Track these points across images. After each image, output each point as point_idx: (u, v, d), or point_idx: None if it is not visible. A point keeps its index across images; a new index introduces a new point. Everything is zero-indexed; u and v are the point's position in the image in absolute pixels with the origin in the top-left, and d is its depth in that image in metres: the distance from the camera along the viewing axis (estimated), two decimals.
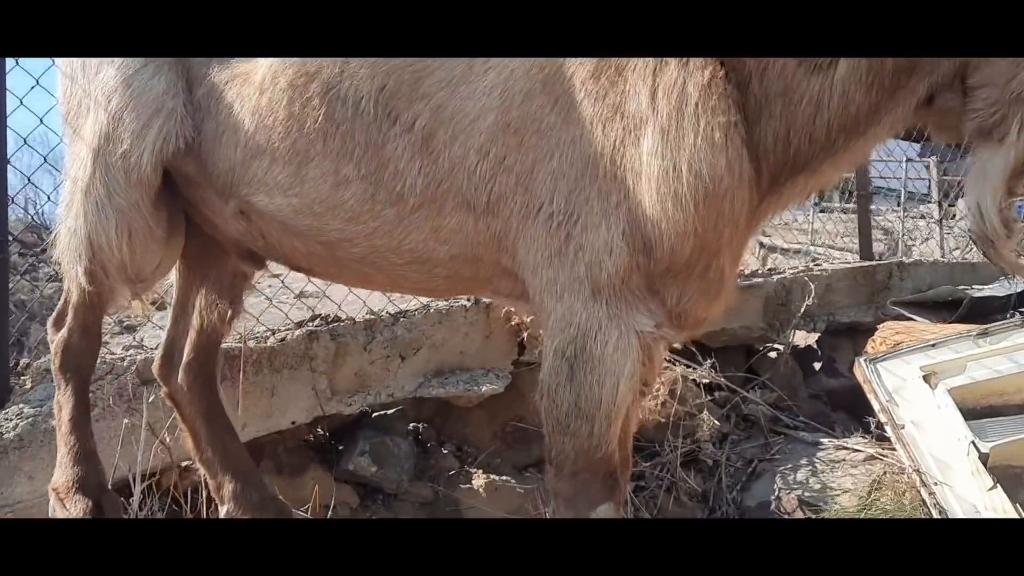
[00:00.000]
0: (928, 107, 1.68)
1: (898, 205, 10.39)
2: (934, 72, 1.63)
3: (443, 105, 1.81)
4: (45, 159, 3.00)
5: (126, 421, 2.59)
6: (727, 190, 1.64)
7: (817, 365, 4.84)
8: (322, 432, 3.55)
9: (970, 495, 3.07)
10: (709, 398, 4.06)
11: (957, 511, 2.93)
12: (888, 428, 3.57)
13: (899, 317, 4.56)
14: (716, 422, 3.87)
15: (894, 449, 3.53)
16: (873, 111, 1.67)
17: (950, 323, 4.38)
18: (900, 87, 1.65)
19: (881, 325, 4.38)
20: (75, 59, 2.14)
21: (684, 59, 1.68)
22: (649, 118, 1.66)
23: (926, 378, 3.60)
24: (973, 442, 3.12)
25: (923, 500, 3.25)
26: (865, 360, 3.79)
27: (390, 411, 3.65)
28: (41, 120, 2.84)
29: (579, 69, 1.75)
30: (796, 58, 1.66)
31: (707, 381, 4.06)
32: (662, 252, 1.66)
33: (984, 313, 4.36)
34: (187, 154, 2.03)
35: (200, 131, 2.02)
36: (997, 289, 4.45)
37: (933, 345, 3.78)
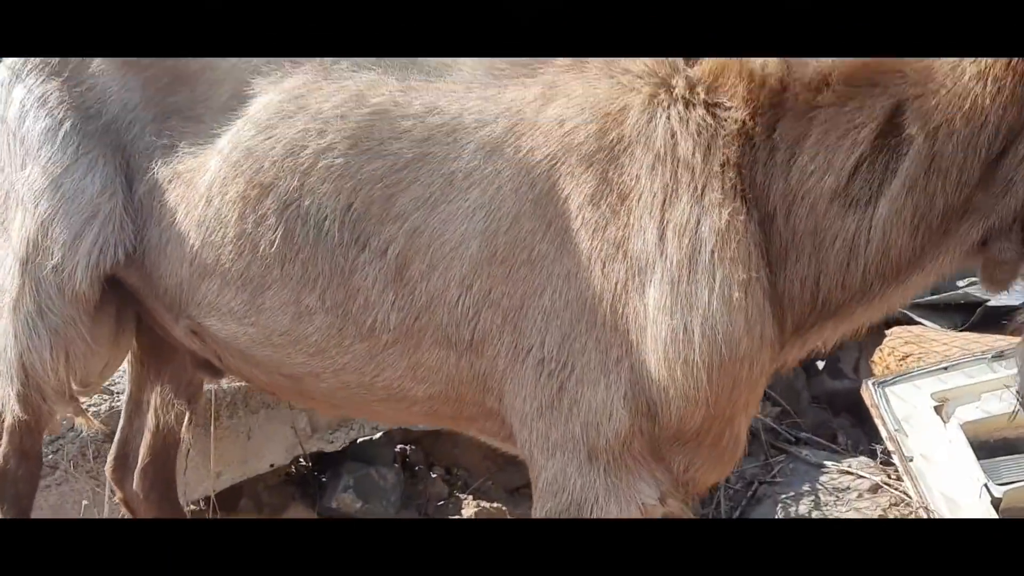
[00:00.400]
0: (980, 252, 1.47)
1: None
2: (991, 215, 1.42)
3: (419, 229, 1.57)
4: None
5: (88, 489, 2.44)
6: (745, 355, 1.44)
7: (820, 364, 4.68)
8: (304, 463, 3.42)
9: None
10: None
11: None
12: (896, 458, 3.45)
13: (908, 320, 4.38)
14: None
15: (901, 480, 3.43)
16: (917, 257, 1.47)
17: (962, 330, 4.23)
18: (950, 231, 1.44)
19: (890, 331, 4.20)
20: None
21: (698, 190, 1.45)
22: (656, 263, 1.45)
23: (937, 409, 3.46)
24: (985, 485, 2.99)
25: None
26: (873, 384, 3.63)
27: (376, 436, 3.50)
28: None
29: (575, 191, 1.52)
30: (829, 194, 1.45)
31: None
32: (669, 419, 1.48)
33: (998, 321, 4.18)
34: (129, 264, 1.79)
35: (143, 238, 1.77)
36: (1012, 297, 4.25)
37: (945, 368, 3.62)
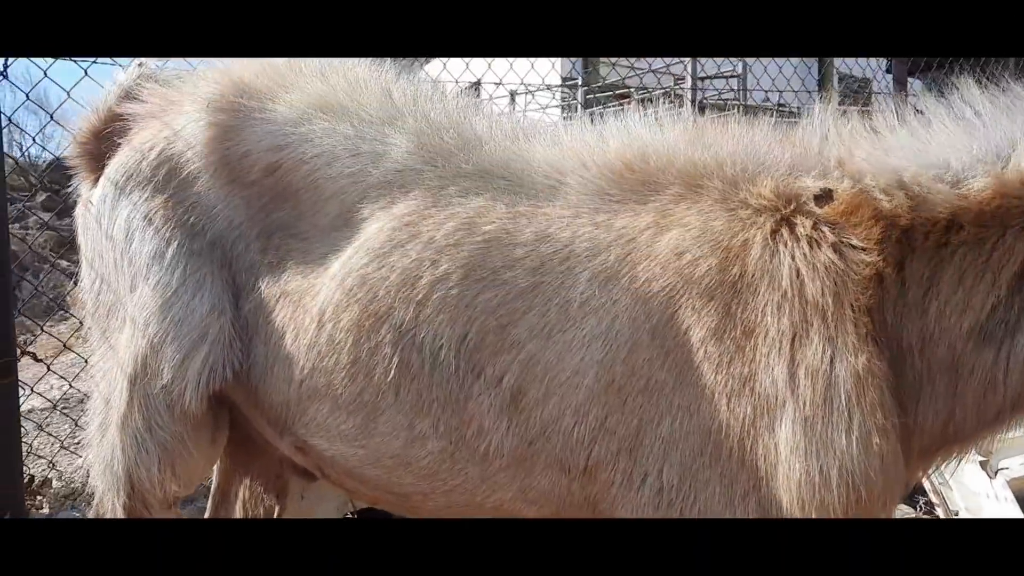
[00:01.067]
0: None
1: None
2: None
3: (535, 358, 1.57)
4: (27, 96, 2.72)
5: None
6: (880, 496, 1.43)
7: None
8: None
9: None
10: None
11: None
12: (940, 512, 3.46)
13: None
14: None
15: None
16: None
17: None
18: None
19: None
20: (101, 244, 1.89)
21: (831, 332, 1.45)
22: (788, 402, 1.44)
23: (982, 463, 3.47)
24: None
25: None
26: None
27: None
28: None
29: (696, 323, 1.51)
30: (967, 332, 1.46)
31: None
32: None
33: None
34: (236, 382, 1.80)
35: (249, 354, 1.78)
36: None
37: None
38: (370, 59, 1.94)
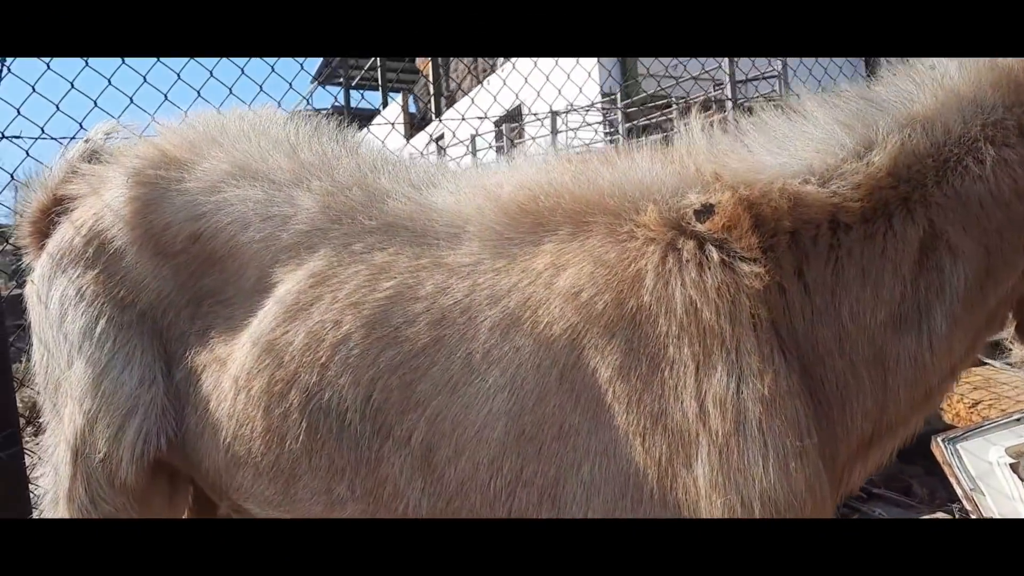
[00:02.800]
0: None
1: None
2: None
3: (441, 414, 1.56)
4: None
5: None
6: (809, 513, 1.41)
7: None
8: None
9: None
10: None
11: None
12: (974, 518, 3.33)
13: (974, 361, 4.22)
14: None
15: None
16: (970, 350, 1.55)
17: None
18: (996, 315, 1.55)
19: None
20: (42, 320, 1.96)
21: (732, 356, 1.42)
22: (701, 436, 1.41)
23: (1013, 466, 3.32)
24: None
25: None
26: (944, 440, 3.50)
27: None
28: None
29: (601, 363, 1.48)
30: (883, 324, 1.47)
31: None
32: None
33: None
34: (171, 450, 1.84)
35: (183, 422, 1.83)
36: None
37: (1018, 420, 3.48)
38: (291, 114, 1.98)
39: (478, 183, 1.76)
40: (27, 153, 2.91)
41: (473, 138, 10.91)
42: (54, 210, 2.07)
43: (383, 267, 1.69)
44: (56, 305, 1.91)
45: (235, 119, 2.00)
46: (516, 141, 14.46)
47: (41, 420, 2.04)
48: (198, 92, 3.37)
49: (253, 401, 1.69)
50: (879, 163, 1.48)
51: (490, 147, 13.33)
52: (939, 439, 3.53)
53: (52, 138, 2.95)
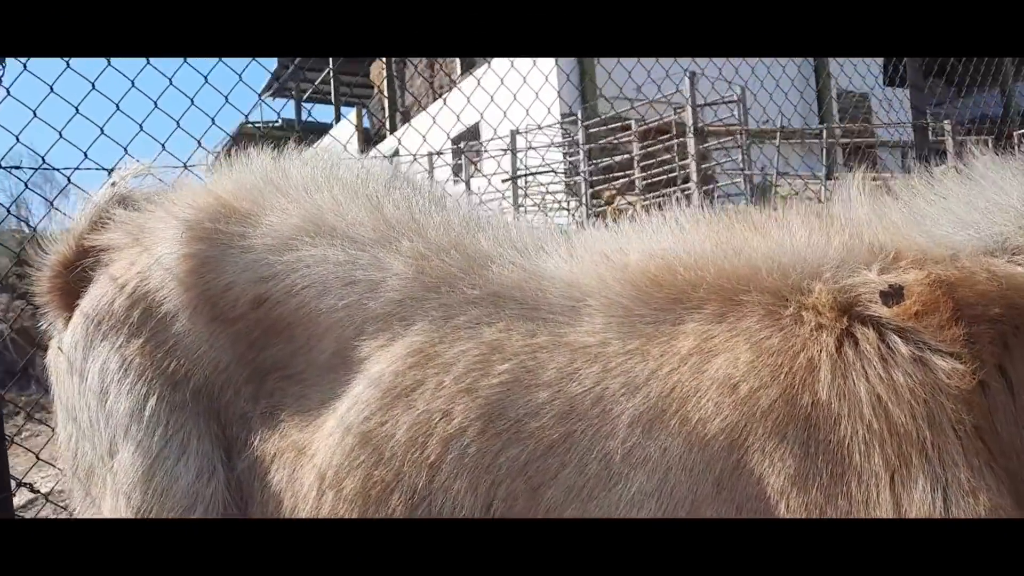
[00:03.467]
0: None
1: None
2: None
3: None
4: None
5: None
6: None
7: None
8: None
9: None
10: None
11: None
12: None
13: None
14: None
15: None
16: None
17: None
18: None
19: None
20: (76, 397, 1.68)
21: (935, 468, 1.21)
22: None
23: None
24: None
25: None
26: None
27: None
28: None
29: (770, 470, 1.26)
30: None
31: None
32: None
33: None
34: None
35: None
36: None
37: None
38: (363, 164, 1.74)
39: (596, 248, 1.53)
40: (26, 185, 2.65)
41: (431, 156, 10.75)
42: (80, 263, 1.80)
43: (495, 346, 1.45)
44: (96, 379, 1.64)
45: (298, 163, 1.75)
46: (474, 160, 14.28)
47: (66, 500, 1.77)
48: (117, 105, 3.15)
49: (345, 503, 1.44)
50: None
51: (447, 164, 13.18)
52: None
53: (55, 168, 2.70)
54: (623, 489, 1.32)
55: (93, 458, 1.66)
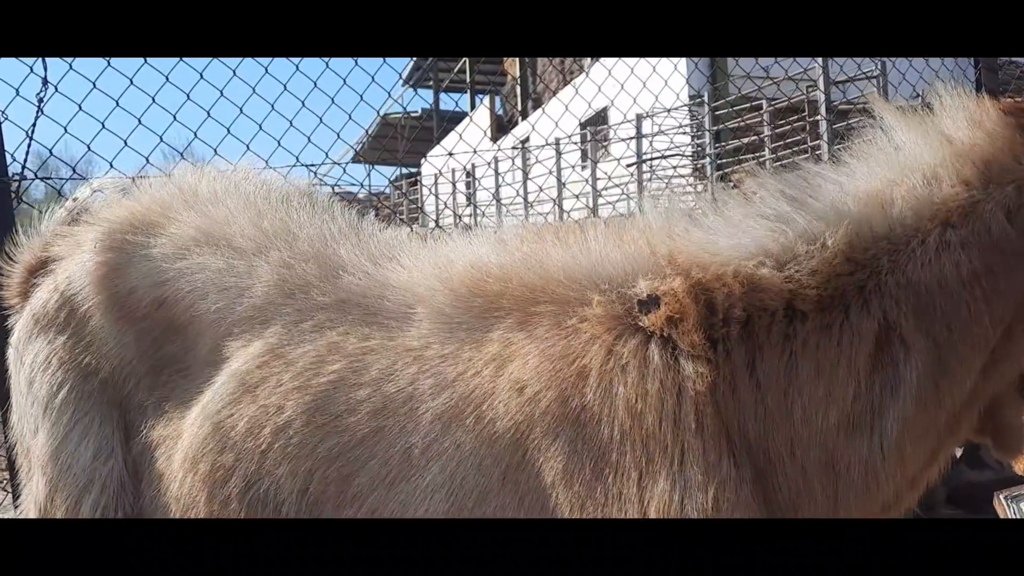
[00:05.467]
0: (984, 421, 1.43)
1: None
2: (988, 391, 1.40)
3: (378, 511, 1.47)
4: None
5: None
6: None
7: (958, 452, 4.23)
8: None
9: None
10: None
11: None
12: None
13: None
14: None
15: None
16: (930, 458, 1.43)
17: None
18: (957, 424, 1.40)
19: None
20: (17, 385, 1.96)
21: (675, 466, 1.32)
22: None
23: None
24: None
25: None
26: (1006, 498, 3.23)
27: None
28: None
29: (545, 465, 1.39)
30: (835, 426, 1.35)
31: None
32: None
33: None
34: None
35: (140, 498, 1.78)
36: None
37: None
38: (265, 179, 1.94)
39: (433, 258, 1.66)
40: (59, 192, 3.00)
41: (558, 141, 10.87)
42: (39, 271, 2.08)
43: (331, 348, 1.61)
44: (28, 369, 1.91)
45: (209, 178, 1.96)
46: (602, 143, 14.34)
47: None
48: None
49: (198, 484, 1.64)
50: (834, 246, 1.36)
51: (577, 148, 13.24)
52: (1001, 496, 3.27)
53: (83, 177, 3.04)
54: (419, 479, 1.46)
55: (26, 436, 1.93)
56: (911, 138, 1.42)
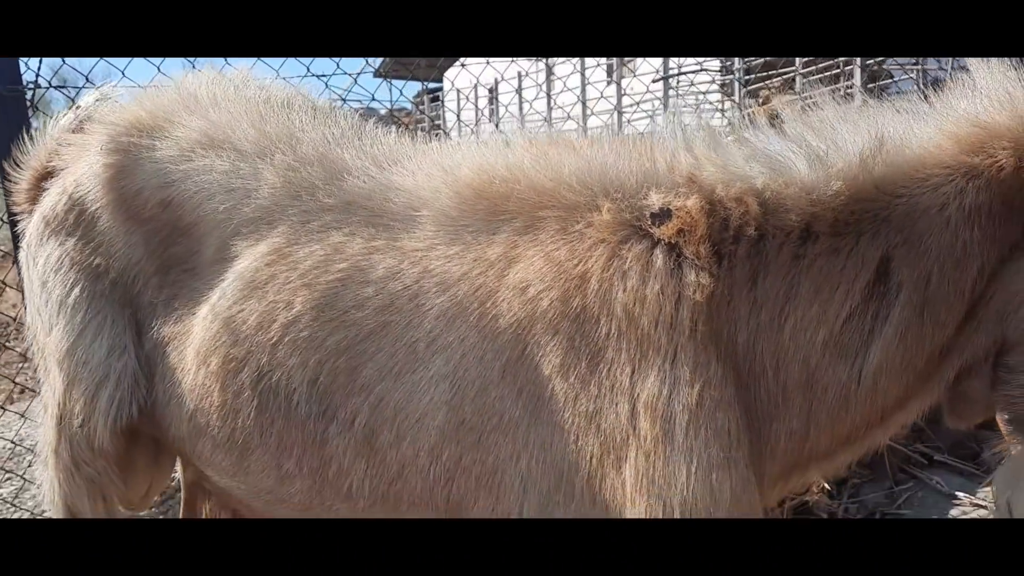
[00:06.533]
0: (950, 389, 1.48)
1: None
2: (964, 354, 1.43)
3: (384, 400, 1.55)
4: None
5: None
6: None
7: None
8: None
9: None
10: None
11: None
12: None
13: None
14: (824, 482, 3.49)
15: None
16: (902, 399, 1.47)
17: None
18: (932, 373, 1.44)
19: None
20: (31, 286, 2.00)
21: (666, 365, 1.39)
22: (630, 439, 1.40)
23: None
24: None
25: None
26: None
27: None
28: None
29: (543, 360, 1.46)
30: (821, 346, 1.41)
31: None
32: None
33: None
34: (143, 417, 1.88)
35: (153, 392, 1.86)
36: None
37: None
38: (267, 84, 1.95)
39: (439, 162, 1.69)
40: (73, 101, 3.00)
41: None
42: (47, 177, 2.10)
43: (338, 248, 1.66)
44: (40, 271, 1.95)
45: (208, 84, 1.97)
46: (626, 61, 14.04)
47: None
48: None
49: (211, 376, 1.71)
50: (864, 172, 1.40)
51: (599, 66, 12.97)
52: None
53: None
54: (424, 371, 1.53)
55: (41, 334, 1.99)
56: (951, 97, 1.46)
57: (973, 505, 3.40)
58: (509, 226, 1.55)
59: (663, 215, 1.44)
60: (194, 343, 1.74)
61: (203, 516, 2.34)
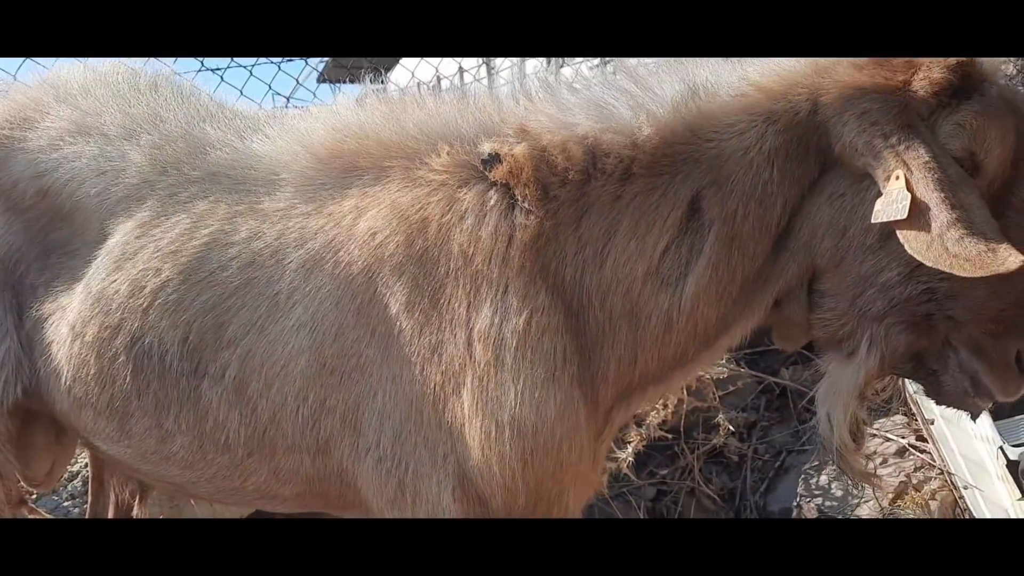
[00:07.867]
0: (774, 313, 1.62)
1: None
2: (779, 282, 1.57)
3: (251, 351, 1.66)
4: None
5: None
6: (560, 441, 1.53)
7: None
8: None
9: (1003, 500, 2.82)
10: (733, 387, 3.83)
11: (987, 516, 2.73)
12: (919, 420, 3.34)
13: None
14: (729, 425, 3.66)
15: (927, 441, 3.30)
16: (724, 324, 1.60)
17: None
18: (750, 299, 1.58)
19: None
20: None
21: (497, 298, 1.54)
22: (467, 366, 1.54)
23: None
24: (1001, 447, 2.82)
25: (954, 503, 3.04)
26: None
27: None
28: None
29: (391, 299, 1.59)
30: (642, 277, 1.55)
31: (724, 375, 3.82)
32: (497, 507, 1.57)
33: None
34: (29, 396, 1.94)
35: (35, 372, 1.92)
36: None
37: None
38: (137, 71, 2.03)
39: (295, 127, 1.80)
40: None
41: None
42: None
43: (203, 215, 1.76)
44: None
45: (80, 73, 2.05)
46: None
47: None
48: None
49: (87, 346, 1.79)
50: (676, 115, 1.55)
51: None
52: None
53: None
54: (285, 321, 1.65)
55: None
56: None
57: (870, 436, 3.60)
58: (360, 180, 1.68)
59: (492, 160, 1.59)
60: (68, 317, 1.82)
61: (111, 490, 2.41)
